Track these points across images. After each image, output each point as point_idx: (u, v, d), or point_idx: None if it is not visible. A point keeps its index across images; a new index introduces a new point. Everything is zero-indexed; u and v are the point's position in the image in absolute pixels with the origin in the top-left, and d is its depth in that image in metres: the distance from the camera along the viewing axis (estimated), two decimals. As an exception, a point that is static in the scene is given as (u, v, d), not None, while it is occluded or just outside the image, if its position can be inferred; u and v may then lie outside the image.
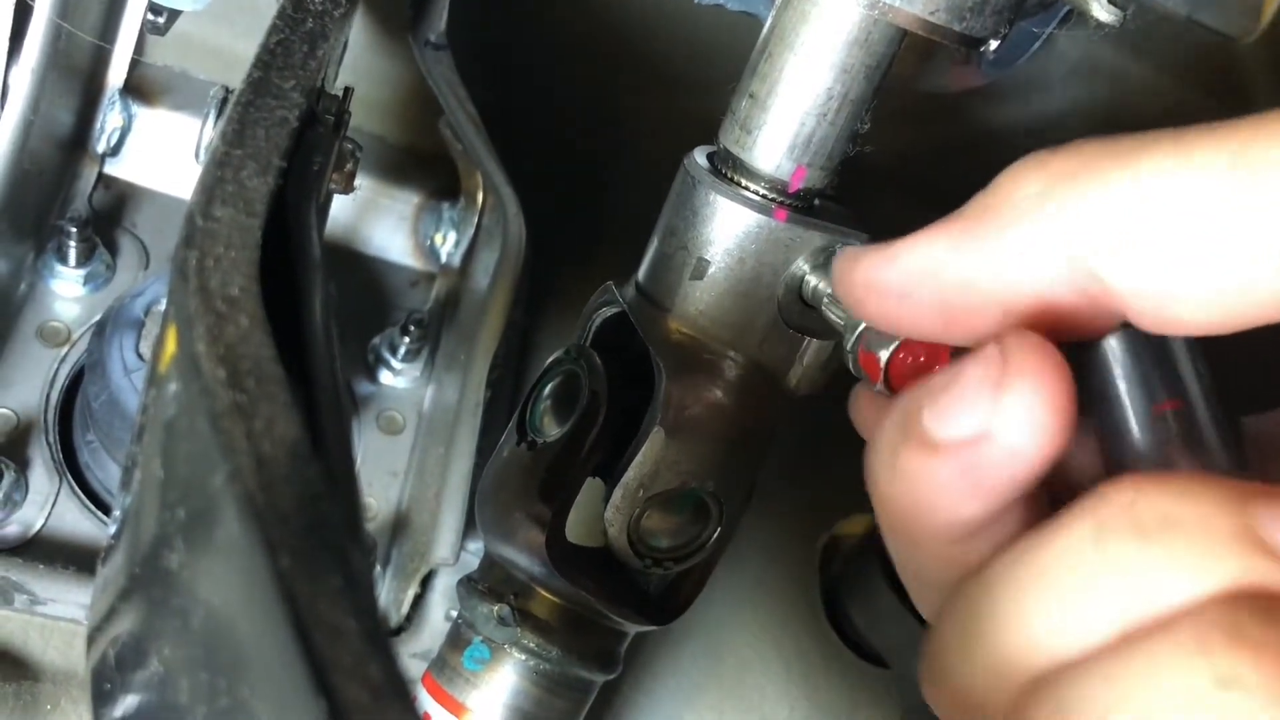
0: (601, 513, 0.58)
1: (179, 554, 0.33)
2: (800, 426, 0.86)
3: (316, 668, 0.26)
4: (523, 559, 0.59)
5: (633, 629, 0.63)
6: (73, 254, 0.83)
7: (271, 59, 0.47)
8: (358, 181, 0.98)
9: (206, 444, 0.31)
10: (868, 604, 0.80)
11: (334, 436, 0.36)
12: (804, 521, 0.86)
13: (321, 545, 0.28)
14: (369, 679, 0.26)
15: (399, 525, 0.86)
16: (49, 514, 0.76)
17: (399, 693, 0.26)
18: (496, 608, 0.60)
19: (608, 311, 0.62)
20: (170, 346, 0.36)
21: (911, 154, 0.92)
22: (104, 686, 0.42)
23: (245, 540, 0.28)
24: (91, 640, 0.43)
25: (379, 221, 0.97)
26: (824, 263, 0.56)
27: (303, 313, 0.41)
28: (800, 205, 0.56)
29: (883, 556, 0.79)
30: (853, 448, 0.89)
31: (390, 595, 0.83)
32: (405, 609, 0.82)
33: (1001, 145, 0.97)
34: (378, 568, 0.83)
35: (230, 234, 0.37)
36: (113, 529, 0.43)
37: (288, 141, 0.43)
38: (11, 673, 0.71)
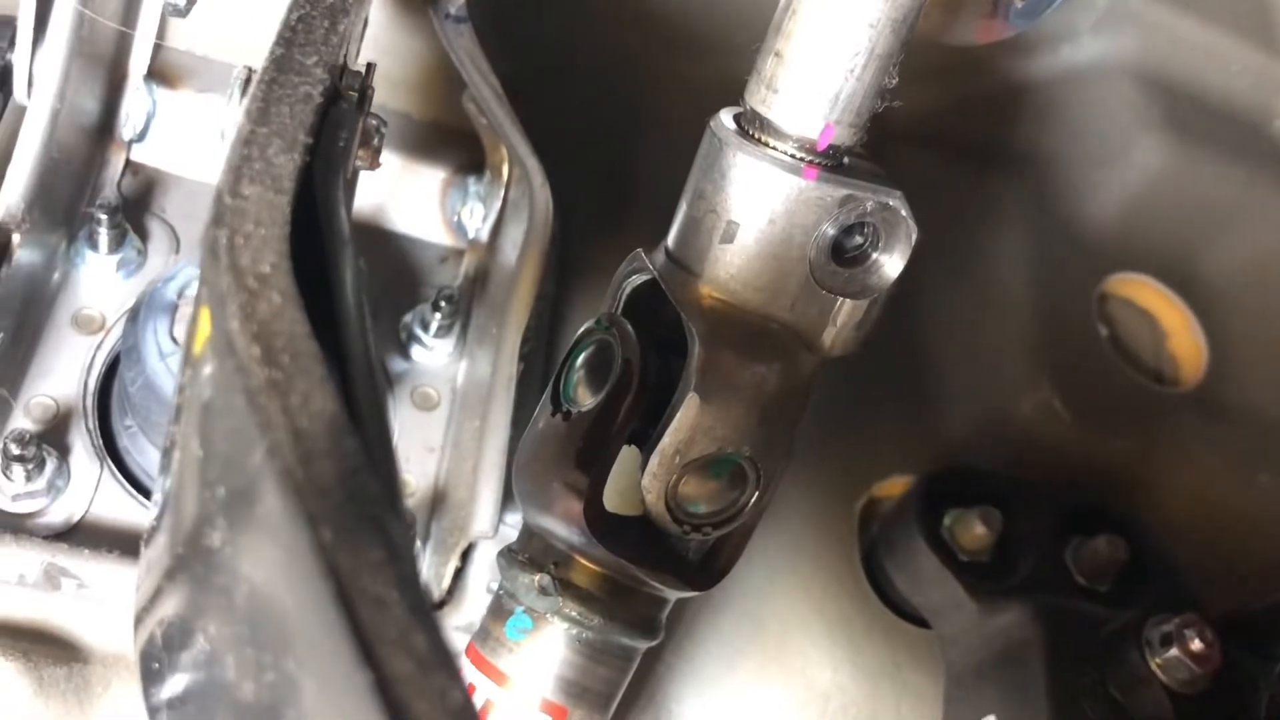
0: (639, 480, 0.58)
1: (221, 532, 0.33)
2: (835, 388, 0.86)
3: (362, 639, 0.26)
4: (562, 528, 0.59)
5: (673, 595, 0.63)
6: (104, 241, 0.83)
7: (293, 35, 0.46)
8: (383, 159, 0.98)
9: (244, 421, 0.31)
10: (908, 565, 0.79)
11: (370, 410, 0.36)
12: (841, 484, 0.86)
13: (362, 518, 0.29)
14: (414, 649, 0.26)
15: (437, 500, 0.86)
16: (91, 499, 0.77)
17: (444, 662, 0.26)
18: (537, 578, 0.60)
19: (638, 279, 0.62)
20: (204, 327, 0.36)
21: (940, 108, 0.91)
22: (152, 666, 0.43)
23: (286, 515, 0.28)
24: (139, 621, 0.44)
25: (406, 199, 0.97)
26: (855, 221, 0.56)
27: (334, 288, 0.41)
28: (830, 163, 0.55)
29: (921, 517, 0.79)
30: (889, 409, 0.90)
31: (431, 570, 0.83)
32: (446, 583, 0.82)
33: (1031, 97, 0.96)
34: (417, 543, 0.84)
35: (259, 211, 0.37)
36: (154, 511, 0.43)
37: (313, 118, 0.43)
38: (62, 656, 0.71)
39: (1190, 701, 0.69)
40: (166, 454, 0.41)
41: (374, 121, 0.63)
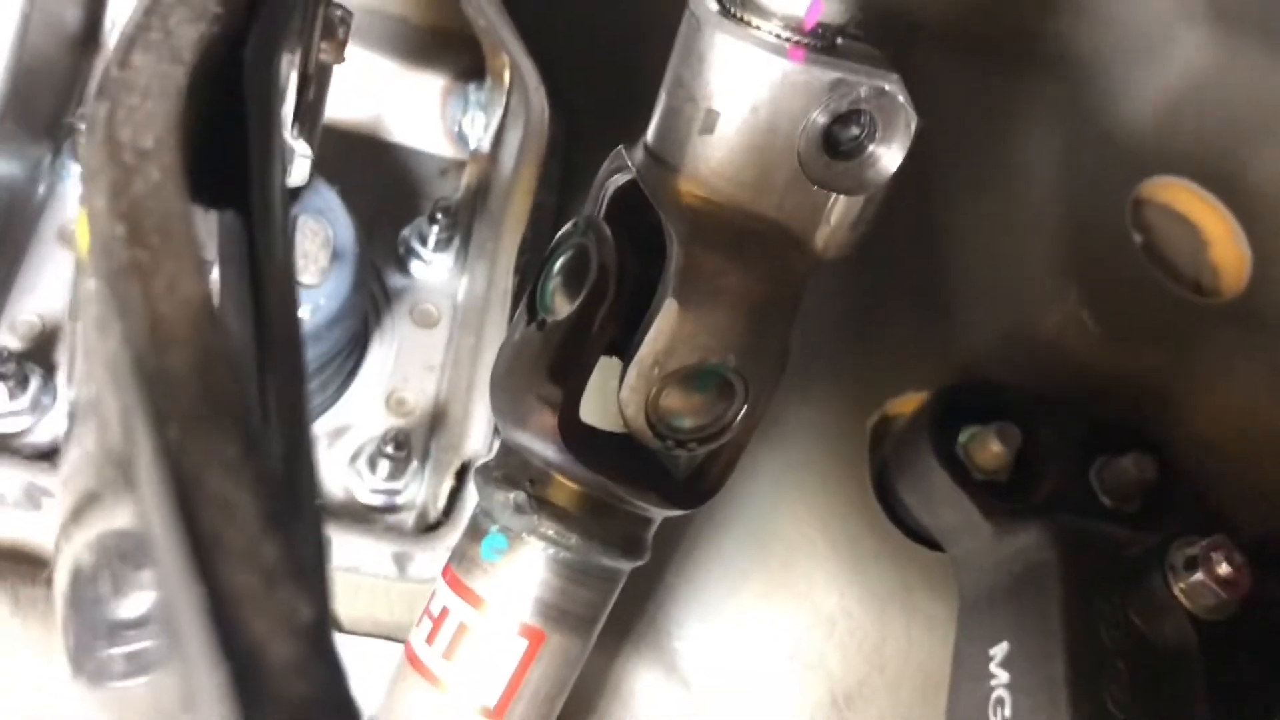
0: (618, 393, 0.54)
1: (95, 433, 0.30)
2: (847, 299, 0.82)
3: (200, 549, 0.23)
4: (537, 444, 0.56)
5: (658, 514, 0.59)
6: (86, 152, 0.80)
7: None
8: (381, 66, 0.94)
9: (105, 307, 0.28)
10: (920, 484, 0.75)
11: (280, 315, 0.33)
12: (853, 400, 0.81)
13: (218, 413, 0.25)
14: (262, 560, 0.23)
15: (436, 419, 0.84)
16: (76, 418, 0.75)
17: (296, 574, 0.23)
18: (513, 495, 0.57)
19: (621, 179, 0.58)
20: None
21: (965, 4, 0.85)
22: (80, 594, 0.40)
23: (134, 409, 0.25)
24: (58, 549, 0.41)
25: (404, 107, 0.93)
26: (848, 109, 0.51)
27: (251, 176, 0.37)
28: (819, 45, 0.50)
29: (935, 433, 0.75)
30: (904, 321, 0.85)
31: (428, 490, 0.81)
32: (442, 503, 0.79)
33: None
34: (414, 462, 0.81)
35: (148, 83, 0.33)
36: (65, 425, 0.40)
37: (229, -12, 0.39)
38: (39, 576, 0.70)
39: (1216, 628, 0.65)
40: (72, 361, 0.38)
41: (338, 12, 0.59)
